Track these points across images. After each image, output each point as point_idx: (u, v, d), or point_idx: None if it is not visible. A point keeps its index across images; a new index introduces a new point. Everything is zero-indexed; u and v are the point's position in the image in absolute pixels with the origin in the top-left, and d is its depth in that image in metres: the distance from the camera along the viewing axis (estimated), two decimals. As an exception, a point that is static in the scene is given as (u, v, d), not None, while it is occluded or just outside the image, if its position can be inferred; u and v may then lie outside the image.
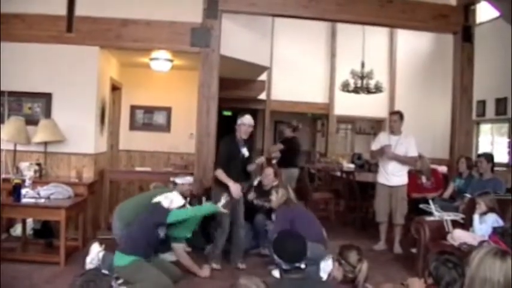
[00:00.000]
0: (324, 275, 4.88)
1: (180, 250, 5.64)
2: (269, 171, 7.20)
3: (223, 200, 5.55)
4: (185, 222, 5.39)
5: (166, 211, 5.07)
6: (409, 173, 7.46)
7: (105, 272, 2.13)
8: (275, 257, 3.25)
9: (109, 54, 8.13)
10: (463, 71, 7.96)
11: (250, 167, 6.31)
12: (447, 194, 7.63)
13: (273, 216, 6.35)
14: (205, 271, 5.56)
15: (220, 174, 5.98)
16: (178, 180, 6.32)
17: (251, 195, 6.90)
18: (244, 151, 6.10)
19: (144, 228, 5.07)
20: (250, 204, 6.80)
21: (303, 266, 3.23)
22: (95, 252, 5.39)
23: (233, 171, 6.02)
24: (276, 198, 6.11)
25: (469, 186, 7.14)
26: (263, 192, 7.01)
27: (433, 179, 8.12)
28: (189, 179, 6.42)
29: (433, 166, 9.06)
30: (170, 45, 7.50)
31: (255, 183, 7.17)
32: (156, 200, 5.24)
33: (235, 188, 5.91)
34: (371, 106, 12.76)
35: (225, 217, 6.01)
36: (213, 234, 6.31)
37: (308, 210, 6.45)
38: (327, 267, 4.79)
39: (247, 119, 6.13)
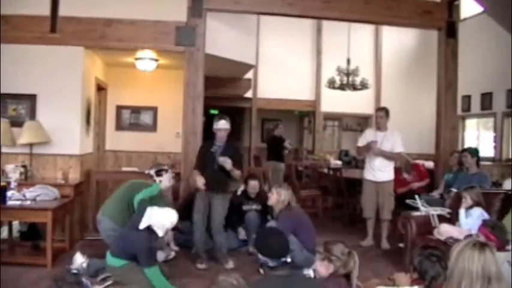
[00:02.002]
0: (309, 272, 4.92)
1: None
2: (254, 183, 7.16)
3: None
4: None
5: (153, 257, 4.85)
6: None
7: (75, 271, 2.11)
8: (260, 256, 3.25)
9: (94, 55, 8.08)
10: (447, 67, 8.01)
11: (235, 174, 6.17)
12: (439, 190, 7.64)
13: (270, 219, 6.33)
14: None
15: (194, 173, 6.08)
16: (153, 172, 6.04)
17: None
18: (217, 152, 6.09)
19: (135, 247, 4.94)
20: (238, 208, 6.84)
21: (289, 259, 3.24)
22: (78, 263, 5.34)
23: (207, 171, 6.06)
24: (276, 198, 5.87)
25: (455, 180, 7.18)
26: (249, 197, 7.09)
27: (414, 172, 8.19)
28: (167, 177, 6.04)
29: (419, 161, 9.15)
30: (155, 44, 7.47)
31: (239, 192, 7.16)
32: (148, 222, 4.92)
33: (199, 179, 5.95)
34: (357, 103, 12.82)
35: (196, 217, 6.08)
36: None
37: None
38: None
39: (221, 124, 6.10)
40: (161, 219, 4.86)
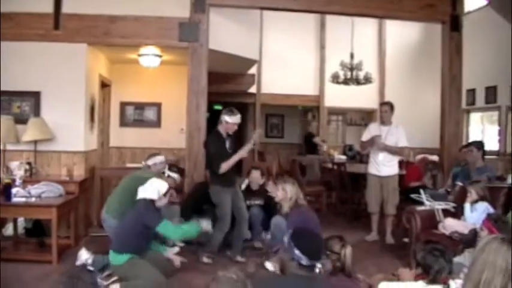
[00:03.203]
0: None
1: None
2: (256, 174, 7.15)
3: (205, 223, 5.47)
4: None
5: (159, 218, 4.93)
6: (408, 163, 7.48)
7: (90, 268, 2.11)
8: (296, 251, 3.22)
9: (97, 51, 8.09)
10: (451, 61, 7.97)
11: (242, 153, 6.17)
12: (447, 184, 7.60)
13: (275, 215, 6.33)
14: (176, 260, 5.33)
15: (226, 164, 5.97)
16: (149, 162, 6.32)
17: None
18: (228, 146, 6.09)
19: (135, 227, 5.01)
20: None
21: (318, 265, 3.24)
22: (84, 259, 5.37)
23: (229, 171, 6.04)
24: (282, 194, 5.74)
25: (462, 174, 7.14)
26: (252, 192, 7.07)
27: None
28: (159, 158, 6.39)
29: (423, 155, 9.16)
30: (158, 40, 7.47)
31: (243, 186, 7.15)
32: (141, 195, 5.17)
33: (245, 151, 6.02)
34: (361, 97, 12.77)
35: (224, 213, 6.06)
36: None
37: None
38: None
39: (237, 119, 6.04)
40: (152, 186, 5.03)
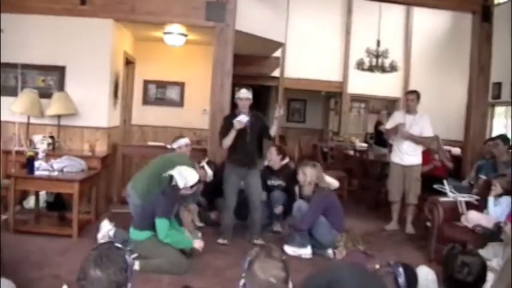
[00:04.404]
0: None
1: (185, 215, 5.76)
2: (272, 151, 7.02)
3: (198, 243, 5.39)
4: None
5: (167, 212, 4.96)
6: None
7: (119, 245, 2.09)
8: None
9: (123, 28, 8.06)
10: (480, 52, 7.85)
11: (272, 131, 6.09)
12: (470, 177, 7.49)
13: (297, 198, 6.30)
14: (197, 243, 5.29)
15: (225, 139, 5.94)
16: (174, 145, 6.37)
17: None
18: (246, 120, 5.88)
19: (157, 208, 5.03)
20: (264, 185, 6.68)
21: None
22: (106, 230, 5.42)
23: (240, 145, 5.96)
24: (303, 178, 5.87)
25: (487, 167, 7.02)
26: (273, 172, 7.00)
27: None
28: (183, 141, 6.44)
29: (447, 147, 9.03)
30: (185, 19, 7.41)
31: (266, 163, 7.10)
32: (170, 173, 5.18)
33: (238, 122, 5.83)
34: (385, 85, 12.60)
35: (228, 192, 6.05)
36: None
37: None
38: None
39: (242, 93, 6.01)
40: (183, 175, 5.11)
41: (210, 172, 6.02)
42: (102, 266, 2.08)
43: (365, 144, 11.44)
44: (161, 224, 4.87)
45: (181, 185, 5.07)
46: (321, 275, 3.23)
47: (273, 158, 6.99)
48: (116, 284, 2.09)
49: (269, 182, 6.85)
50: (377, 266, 3.46)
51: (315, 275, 3.33)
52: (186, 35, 8.52)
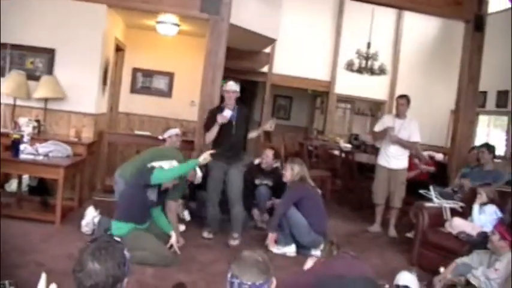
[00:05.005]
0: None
1: (172, 206, 5.68)
2: (269, 153, 7.07)
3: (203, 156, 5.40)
4: (177, 186, 5.44)
5: (151, 170, 4.95)
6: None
7: (118, 239, 2.06)
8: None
9: (116, 14, 7.96)
10: (471, 61, 7.87)
11: (252, 134, 6.23)
12: (454, 184, 7.53)
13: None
14: (173, 238, 5.21)
15: (208, 134, 5.98)
16: (165, 135, 6.32)
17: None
18: (231, 115, 5.89)
19: (134, 191, 5.00)
20: (250, 182, 6.71)
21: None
22: (90, 217, 5.37)
23: (225, 139, 5.94)
24: (290, 174, 5.93)
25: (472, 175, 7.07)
26: (263, 172, 7.00)
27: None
28: (174, 131, 6.38)
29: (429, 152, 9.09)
30: (179, 9, 7.30)
31: (256, 162, 7.10)
32: (153, 164, 5.11)
33: (221, 116, 5.84)
34: (372, 88, 12.66)
35: (211, 186, 6.01)
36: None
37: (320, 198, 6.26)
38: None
39: (229, 86, 6.00)
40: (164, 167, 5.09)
41: (199, 174, 5.91)
42: (100, 259, 2.04)
43: (349, 145, 11.47)
44: (159, 174, 4.94)
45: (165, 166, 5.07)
46: None
47: (268, 161, 7.02)
48: (113, 278, 2.04)
49: (257, 181, 6.85)
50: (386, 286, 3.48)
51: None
52: (178, 25, 8.44)
